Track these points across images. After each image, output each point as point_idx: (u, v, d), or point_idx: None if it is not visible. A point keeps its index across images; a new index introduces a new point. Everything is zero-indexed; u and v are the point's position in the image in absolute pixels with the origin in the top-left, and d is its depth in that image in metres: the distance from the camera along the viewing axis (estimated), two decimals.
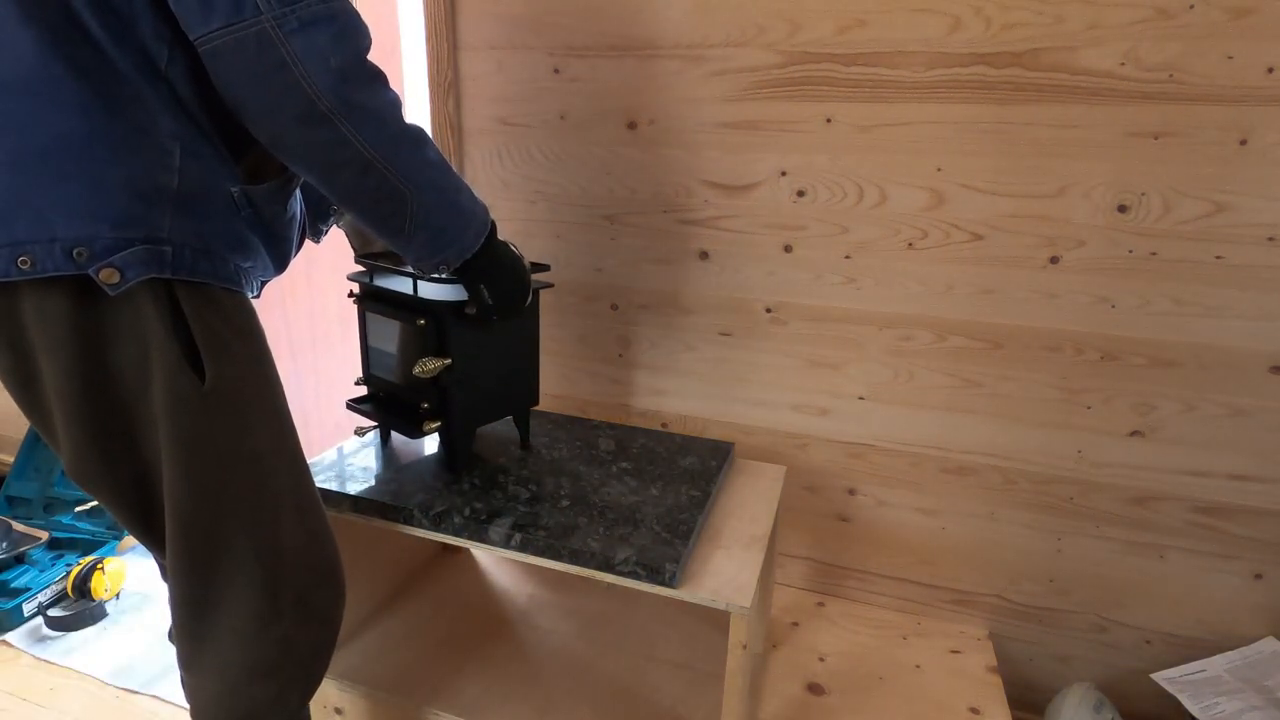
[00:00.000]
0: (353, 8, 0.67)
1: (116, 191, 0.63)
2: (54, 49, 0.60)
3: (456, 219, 0.82)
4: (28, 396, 0.70)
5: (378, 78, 0.70)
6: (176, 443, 0.69)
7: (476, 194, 0.86)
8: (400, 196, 0.75)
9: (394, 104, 0.72)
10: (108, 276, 0.62)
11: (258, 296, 0.83)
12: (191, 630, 0.77)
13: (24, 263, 0.61)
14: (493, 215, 1.37)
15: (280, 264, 0.82)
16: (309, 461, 1.09)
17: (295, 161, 0.70)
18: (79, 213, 0.62)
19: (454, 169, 0.82)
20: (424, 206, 0.77)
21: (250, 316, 0.75)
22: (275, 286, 2.00)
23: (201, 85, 0.67)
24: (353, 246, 1.09)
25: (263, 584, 0.77)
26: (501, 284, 0.92)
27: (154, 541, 0.77)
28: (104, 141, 0.62)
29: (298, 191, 0.83)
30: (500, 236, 1.39)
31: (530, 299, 0.99)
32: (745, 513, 1.05)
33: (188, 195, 0.67)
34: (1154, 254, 1.05)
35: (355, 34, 0.67)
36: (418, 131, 0.75)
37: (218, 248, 0.70)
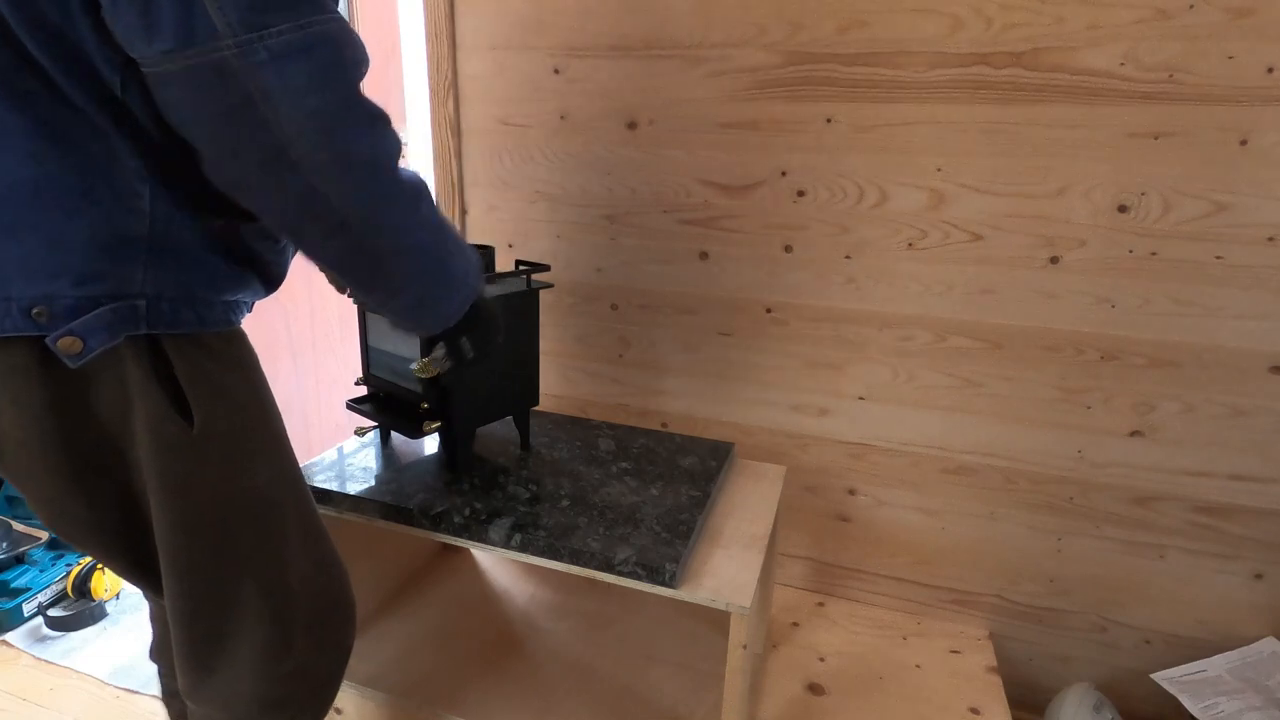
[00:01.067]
0: (343, 28, 0.55)
1: (77, 245, 0.55)
2: None
3: (441, 288, 0.71)
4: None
5: (375, 121, 0.58)
6: (169, 491, 0.63)
7: (470, 253, 0.76)
8: (378, 260, 0.63)
9: (387, 154, 0.60)
10: (67, 347, 0.55)
11: (249, 312, 0.77)
12: (197, 664, 0.73)
13: None
14: (493, 217, 1.39)
15: (273, 286, 0.74)
16: (309, 462, 1.09)
17: (253, 206, 0.60)
18: (37, 270, 0.54)
19: (452, 227, 0.71)
20: (407, 273, 0.66)
21: (241, 346, 0.69)
22: None
23: None
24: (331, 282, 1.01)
25: (272, 619, 0.72)
26: (480, 336, 0.82)
27: (148, 584, 0.71)
28: (59, 189, 0.54)
29: None
30: (499, 233, 1.37)
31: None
32: (745, 513, 1.05)
33: (163, 239, 0.59)
34: (1154, 254, 1.05)
35: (343, 66, 0.55)
36: (414, 187, 0.63)
37: (202, 292, 0.62)
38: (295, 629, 0.74)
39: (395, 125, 0.62)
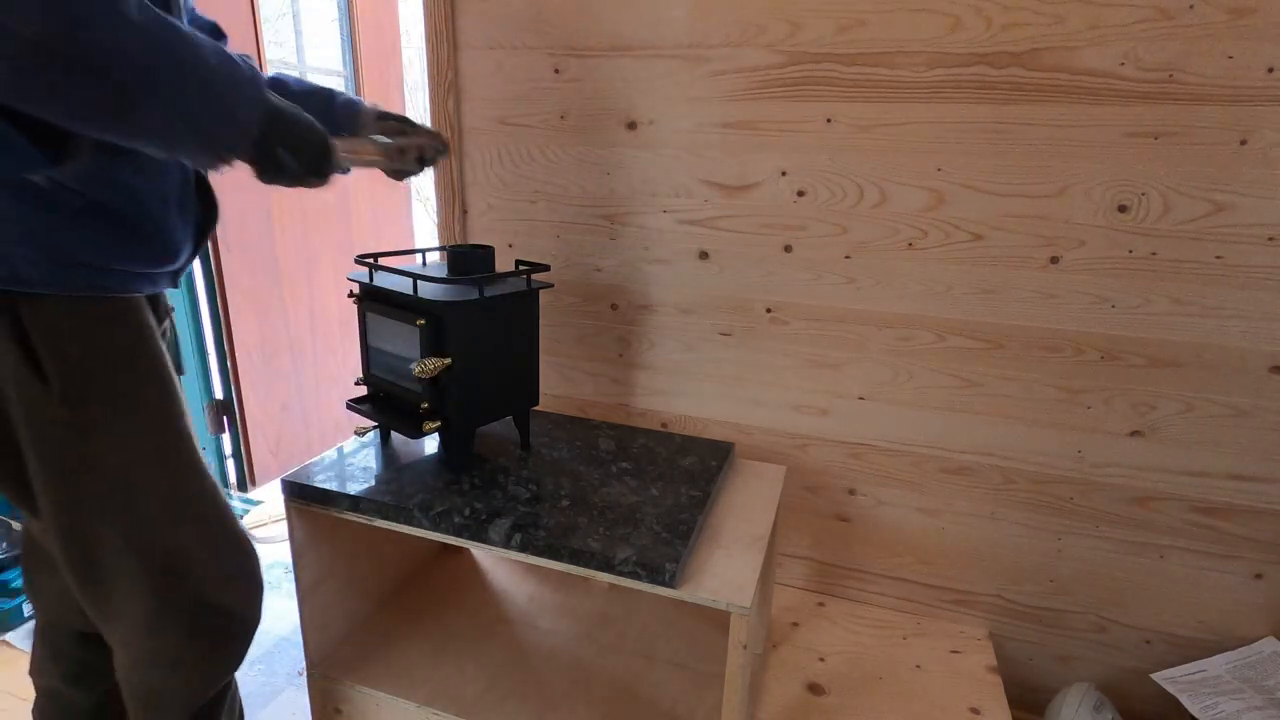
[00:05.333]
0: None
1: None
2: None
3: (222, 98, 0.64)
4: None
5: None
6: (32, 446, 0.70)
7: (233, 58, 0.66)
8: (103, 81, 0.56)
9: None
10: None
11: (159, 290, 0.79)
12: (93, 612, 0.81)
13: None
14: (492, 215, 1.39)
15: (159, 252, 0.74)
16: (310, 463, 1.09)
17: None
18: None
19: (192, 34, 0.62)
20: (163, 91, 0.59)
21: (100, 318, 0.71)
22: (275, 286, 2.00)
23: None
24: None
25: (151, 588, 0.78)
26: (298, 142, 0.73)
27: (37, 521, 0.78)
28: None
29: (166, 166, 0.73)
30: (499, 233, 1.38)
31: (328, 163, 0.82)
32: (745, 513, 1.05)
33: None
34: (1154, 254, 1.05)
35: None
36: None
37: (23, 250, 0.64)
38: (180, 595, 0.80)
39: None
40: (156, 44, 0.59)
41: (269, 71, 0.78)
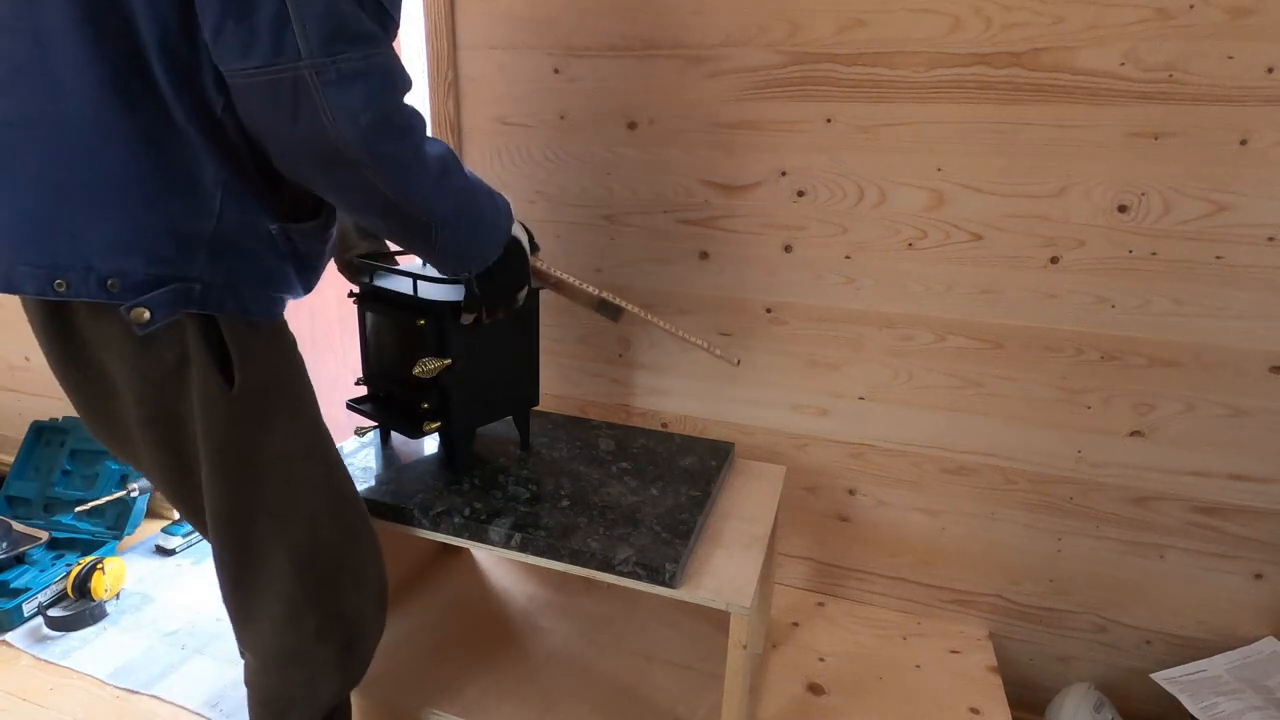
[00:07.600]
0: (394, 59, 0.67)
1: (155, 232, 0.66)
2: (116, 93, 0.63)
3: (479, 236, 0.84)
4: (92, 398, 0.76)
5: (408, 132, 0.70)
6: (209, 442, 0.74)
7: (496, 195, 0.87)
8: (424, 227, 0.77)
9: (419, 152, 0.72)
10: (137, 316, 0.66)
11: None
12: (236, 609, 0.84)
13: (60, 285, 0.65)
14: None
15: (309, 287, 0.85)
16: None
17: (314, 188, 0.72)
18: (117, 247, 0.65)
19: (478, 184, 0.83)
20: (448, 233, 0.79)
21: (280, 332, 0.80)
22: None
23: None
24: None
25: (295, 579, 0.82)
26: (496, 279, 0.91)
27: (198, 525, 0.83)
28: (149, 184, 0.66)
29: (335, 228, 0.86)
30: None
31: (524, 298, 0.98)
32: (745, 513, 1.05)
33: (223, 238, 0.70)
34: (1154, 254, 1.05)
35: (391, 90, 0.67)
36: (442, 164, 0.75)
37: (248, 284, 0.73)
38: (316, 591, 0.83)
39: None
40: (462, 213, 0.80)
41: None
